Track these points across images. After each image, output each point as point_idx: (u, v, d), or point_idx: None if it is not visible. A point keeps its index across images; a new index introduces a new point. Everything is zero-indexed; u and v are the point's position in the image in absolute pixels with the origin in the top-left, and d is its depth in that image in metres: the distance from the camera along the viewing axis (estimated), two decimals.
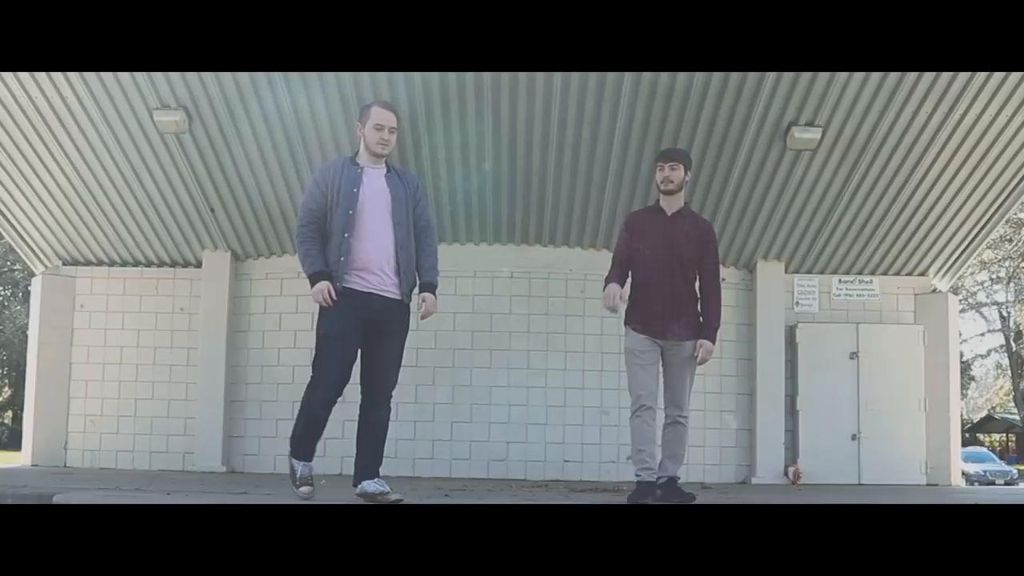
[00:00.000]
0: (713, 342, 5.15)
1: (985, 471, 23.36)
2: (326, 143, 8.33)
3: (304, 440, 4.64)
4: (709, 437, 9.51)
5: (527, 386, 9.56)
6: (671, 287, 5.11)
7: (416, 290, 4.68)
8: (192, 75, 7.78)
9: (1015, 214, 19.39)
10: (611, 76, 7.68)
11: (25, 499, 4.80)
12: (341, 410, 4.63)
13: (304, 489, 4.58)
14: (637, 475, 5.07)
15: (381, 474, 4.60)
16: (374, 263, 4.51)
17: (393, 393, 4.66)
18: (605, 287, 5.19)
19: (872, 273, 9.94)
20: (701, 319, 5.19)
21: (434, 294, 4.69)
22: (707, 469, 9.47)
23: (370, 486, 4.49)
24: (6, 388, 31.66)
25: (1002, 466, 25.77)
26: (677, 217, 5.21)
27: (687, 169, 5.25)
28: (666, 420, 5.16)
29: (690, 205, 5.52)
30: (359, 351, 4.60)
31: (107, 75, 7.83)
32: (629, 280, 5.28)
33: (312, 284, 4.49)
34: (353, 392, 4.60)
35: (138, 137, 8.43)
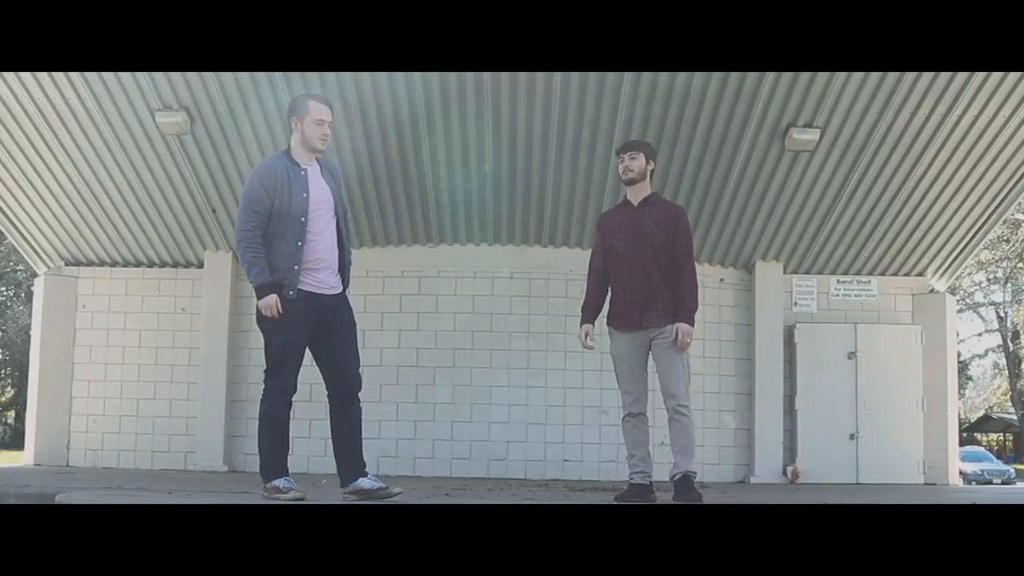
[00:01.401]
0: (690, 324, 4.96)
1: (983, 470, 23.40)
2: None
3: (277, 454, 4.52)
4: (708, 437, 9.53)
5: (527, 386, 9.59)
6: (642, 275, 5.02)
7: None
8: (193, 76, 7.80)
9: (1012, 215, 19.41)
10: (611, 76, 7.70)
11: (27, 499, 4.83)
12: None
13: (293, 493, 4.41)
14: (630, 478, 5.06)
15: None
16: (325, 263, 4.52)
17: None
18: (581, 316, 5.24)
19: (870, 273, 9.97)
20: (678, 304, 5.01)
21: None
22: (706, 468, 9.46)
23: (366, 483, 4.48)
24: (9, 388, 31.64)
25: (999, 465, 25.80)
26: (644, 205, 5.13)
27: (649, 157, 5.15)
28: (668, 415, 5.04)
29: (660, 193, 5.38)
30: (314, 352, 4.61)
31: (109, 77, 7.86)
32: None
33: (259, 295, 4.42)
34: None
35: (140, 138, 8.47)
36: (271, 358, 4.53)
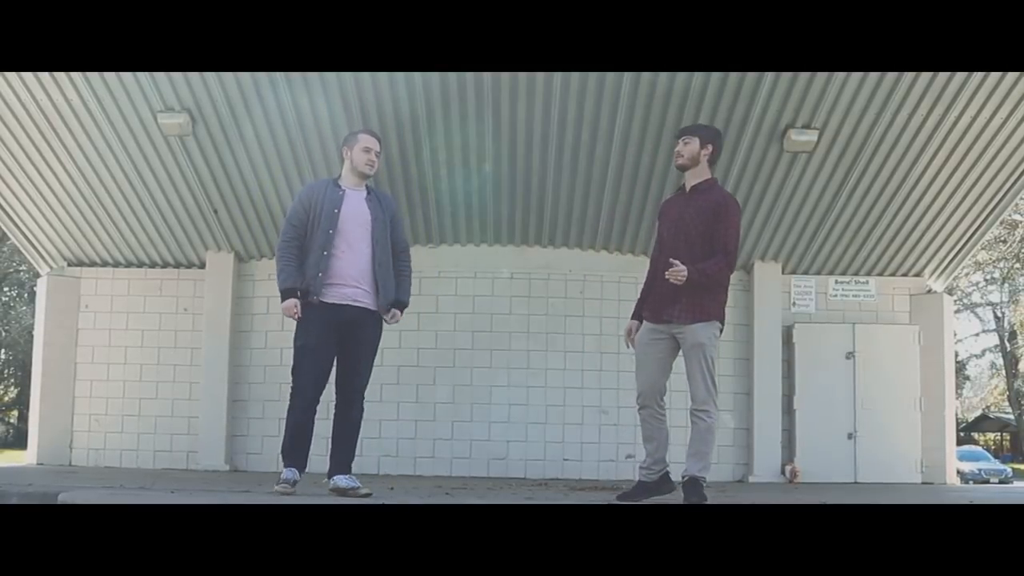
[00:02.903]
0: (692, 276, 4.67)
1: (980, 469, 23.50)
2: (327, 143, 8.39)
3: (291, 449, 4.92)
4: None
5: (527, 385, 9.64)
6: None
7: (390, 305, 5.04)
8: (195, 77, 7.84)
9: (1009, 215, 19.45)
10: (611, 76, 7.72)
11: (30, 498, 4.85)
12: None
13: (279, 487, 4.80)
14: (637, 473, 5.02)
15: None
16: (351, 277, 4.87)
17: (365, 393, 5.04)
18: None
19: (868, 274, 10.00)
20: (707, 302, 4.80)
21: (402, 311, 5.09)
22: None
23: (342, 481, 4.85)
24: (12, 387, 31.68)
25: (997, 464, 25.90)
26: (694, 192, 4.88)
27: (704, 141, 4.87)
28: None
29: (716, 180, 5.08)
30: (335, 358, 4.96)
31: (112, 78, 7.89)
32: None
33: (282, 299, 4.87)
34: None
35: (142, 139, 8.49)
36: (293, 360, 4.95)
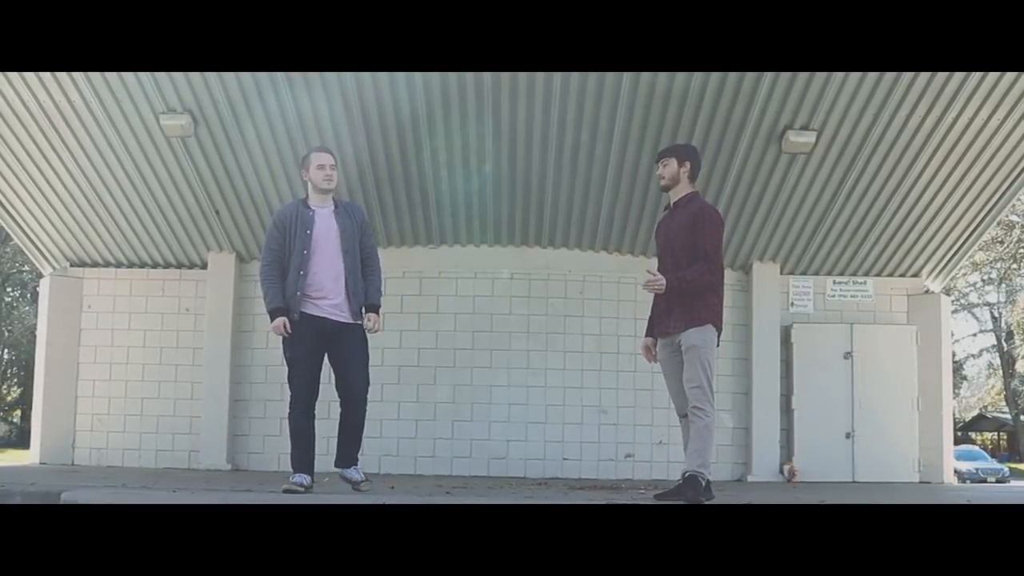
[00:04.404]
0: (672, 284, 4.85)
1: (977, 469, 23.59)
2: (328, 144, 8.40)
3: (296, 455, 5.28)
4: None
5: (527, 385, 9.67)
6: None
7: (363, 310, 5.33)
8: (197, 79, 7.87)
9: (1006, 216, 19.46)
10: (611, 76, 7.74)
11: (33, 497, 4.87)
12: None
13: (288, 486, 5.11)
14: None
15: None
16: (326, 291, 5.18)
17: (367, 393, 5.33)
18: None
19: (866, 274, 10.03)
20: (698, 308, 4.92)
21: (377, 313, 5.33)
22: None
23: (349, 473, 5.26)
24: (15, 387, 31.72)
25: (994, 464, 25.98)
26: (676, 208, 5.09)
27: (681, 160, 5.08)
28: None
29: (699, 194, 5.23)
30: (329, 365, 5.29)
31: (115, 80, 7.92)
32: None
33: (271, 318, 5.21)
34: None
35: (144, 141, 8.52)
36: (288, 372, 5.31)
